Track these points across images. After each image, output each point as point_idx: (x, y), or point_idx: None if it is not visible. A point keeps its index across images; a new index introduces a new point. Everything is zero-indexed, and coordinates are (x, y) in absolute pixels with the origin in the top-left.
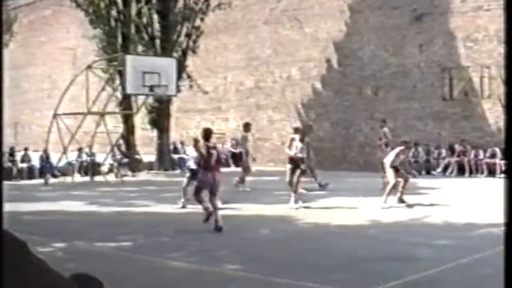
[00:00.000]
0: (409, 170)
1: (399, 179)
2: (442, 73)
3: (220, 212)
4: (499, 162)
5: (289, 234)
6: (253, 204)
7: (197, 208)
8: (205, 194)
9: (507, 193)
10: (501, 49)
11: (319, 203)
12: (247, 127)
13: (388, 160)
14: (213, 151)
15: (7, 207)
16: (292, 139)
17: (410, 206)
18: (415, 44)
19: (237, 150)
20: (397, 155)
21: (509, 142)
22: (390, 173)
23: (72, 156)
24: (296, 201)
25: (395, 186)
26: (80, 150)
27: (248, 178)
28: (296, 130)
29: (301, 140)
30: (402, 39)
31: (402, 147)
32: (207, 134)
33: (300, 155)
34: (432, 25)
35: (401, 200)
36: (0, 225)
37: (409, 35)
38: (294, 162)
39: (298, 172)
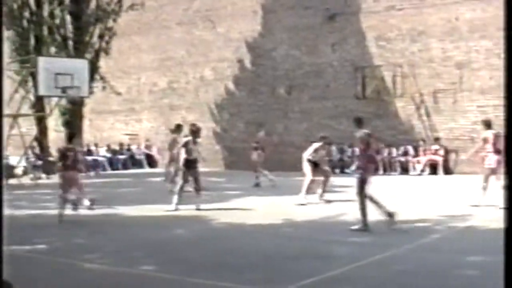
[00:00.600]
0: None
1: (319, 177)
2: (355, 72)
3: (135, 213)
4: (412, 160)
5: (203, 234)
6: (167, 204)
7: (111, 208)
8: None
9: (507, 193)
10: (414, 48)
11: (234, 203)
12: (178, 128)
13: (306, 154)
14: (70, 153)
15: None
16: (187, 142)
17: (328, 202)
18: (328, 43)
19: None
20: (316, 151)
21: (509, 142)
22: (307, 168)
23: None
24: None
25: (312, 182)
26: None
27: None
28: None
29: (194, 142)
30: (315, 38)
31: (320, 143)
32: (69, 136)
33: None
34: (345, 25)
35: (321, 197)
36: (0, 226)
37: (322, 34)
38: (189, 165)
39: (195, 172)
